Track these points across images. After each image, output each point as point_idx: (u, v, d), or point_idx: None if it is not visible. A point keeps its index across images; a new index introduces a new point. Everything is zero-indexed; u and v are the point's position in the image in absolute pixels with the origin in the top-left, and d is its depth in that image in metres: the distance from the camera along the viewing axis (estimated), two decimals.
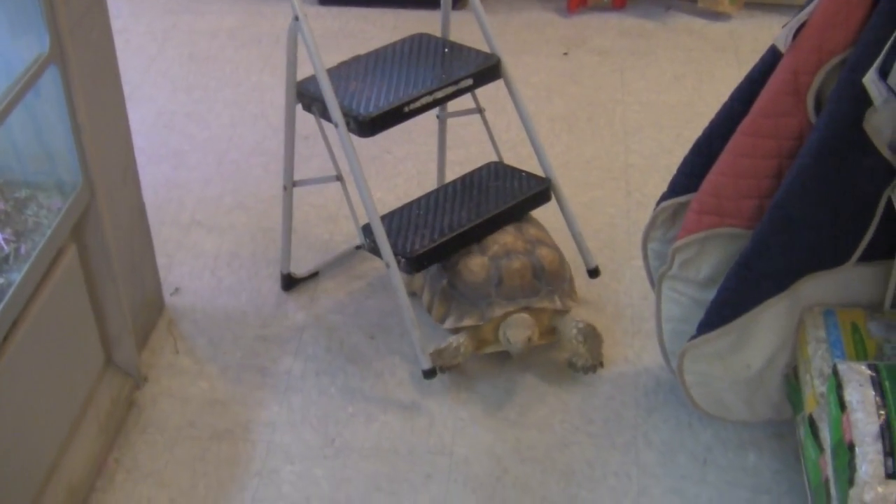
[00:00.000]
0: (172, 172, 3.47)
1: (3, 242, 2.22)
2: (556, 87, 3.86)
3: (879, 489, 1.90)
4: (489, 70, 2.77)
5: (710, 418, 2.58)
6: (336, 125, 2.59)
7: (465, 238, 2.76)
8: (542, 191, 2.86)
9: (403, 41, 2.90)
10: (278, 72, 4.04)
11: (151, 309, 2.89)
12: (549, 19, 4.33)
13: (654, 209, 2.57)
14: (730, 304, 2.33)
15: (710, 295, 2.44)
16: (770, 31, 4.12)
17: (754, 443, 2.57)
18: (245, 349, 2.85)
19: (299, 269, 3.07)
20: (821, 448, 2.14)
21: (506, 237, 2.77)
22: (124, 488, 2.49)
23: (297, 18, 2.59)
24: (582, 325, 2.71)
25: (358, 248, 3.11)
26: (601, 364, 2.73)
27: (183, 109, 3.81)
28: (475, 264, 2.72)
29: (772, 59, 2.29)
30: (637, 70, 3.99)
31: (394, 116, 2.63)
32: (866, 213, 2.21)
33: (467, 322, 2.69)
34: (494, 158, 3.01)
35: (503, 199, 2.83)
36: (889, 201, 2.19)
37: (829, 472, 2.07)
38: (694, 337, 2.41)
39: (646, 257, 2.66)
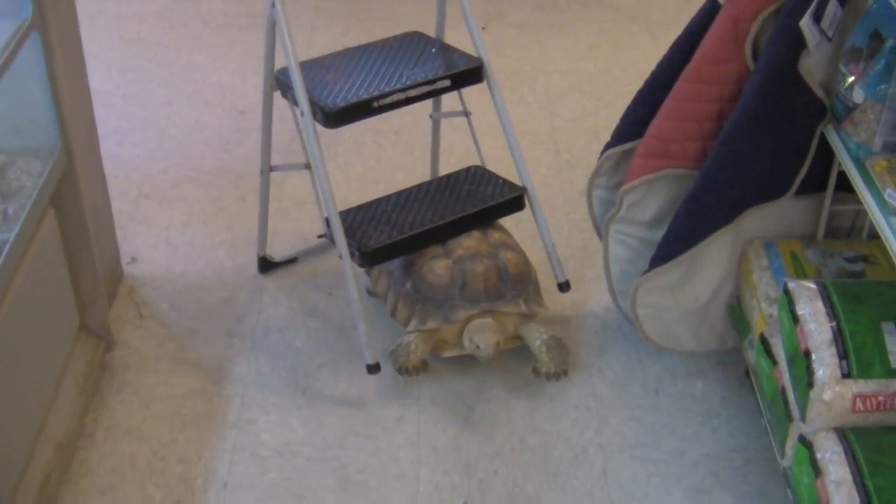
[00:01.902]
0: (115, 149, 3.53)
1: None
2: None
3: (837, 388, 2.10)
4: (469, 73, 2.76)
5: (659, 350, 2.77)
6: (301, 113, 2.62)
7: (425, 238, 2.74)
8: (514, 198, 2.83)
9: (395, 38, 2.91)
10: (209, 51, 4.13)
11: (112, 278, 2.96)
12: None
13: (599, 158, 2.75)
14: (681, 237, 2.51)
15: (656, 235, 2.62)
16: (677, 1, 4.35)
17: (701, 372, 2.76)
18: (208, 311, 2.95)
19: (277, 252, 3.13)
20: (774, 362, 2.34)
21: (470, 241, 2.75)
22: (106, 445, 2.56)
23: (273, 5, 2.61)
24: (546, 336, 2.70)
25: (320, 237, 3.15)
26: (565, 372, 2.72)
27: (118, 90, 3.87)
28: (439, 267, 2.70)
29: (710, 10, 2.49)
30: (554, 41, 4.18)
31: (361, 110, 2.63)
32: (803, 147, 2.41)
33: (431, 325, 2.67)
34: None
35: (473, 203, 2.80)
36: (822, 136, 2.40)
37: (786, 381, 2.26)
38: (647, 271, 2.59)
39: (591, 205, 2.83)
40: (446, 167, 3.09)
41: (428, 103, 3.06)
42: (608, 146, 2.73)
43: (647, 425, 2.63)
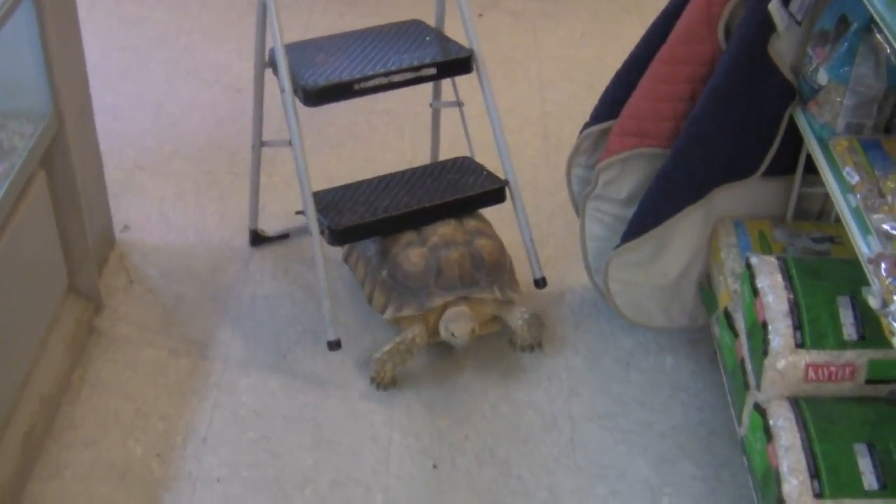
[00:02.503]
0: (112, 124, 3.61)
1: None
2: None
3: (790, 357, 2.17)
4: (457, 62, 2.79)
5: (631, 325, 2.84)
6: (282, 91, 2.67)
7: (398, 222, 2.77)
8: (494, 190, 2.85)
9: (394, 25, 2.95)
10: (207, 32, 4.21)
11: (104, 243, 3.04)
12: None
13: (578, 137, 2.82)
14: (651, 213, 2.59)
15: (630, 213, 2.69)
16: None
17: (672, 348, 2.84)
18: (196, 279, 3.03)
19: (269, 227, 3.19)
20: (735, 334, 2.41)
21: (445, 228, 2.77)
22: (91, 401, 2.65)
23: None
24: (528, 315, 2.74)
25: (298, 213, 3.14)
26: (539, 345, 2.79)
27: (117, 68, 3.96)
28: (414, 255, 2.73)
29: None
30: (548, 30, 4.26)
31: (342, 90, 2.68)
32: (771, 129, 2.48)
33: (406, 312, 2.70)
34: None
35: (451, 191, 2.83)
36: (791, 119, 2.47)
37: (745, 352, 2.34)
38: (618, 245, 2.66)
39: (570, 183, 2.91)
40: (447, 154, 3.14)
41: (427, 91, 3.14)
42: (587, 126, 2.81)
43: (616, 397, 2.71)
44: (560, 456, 2.55)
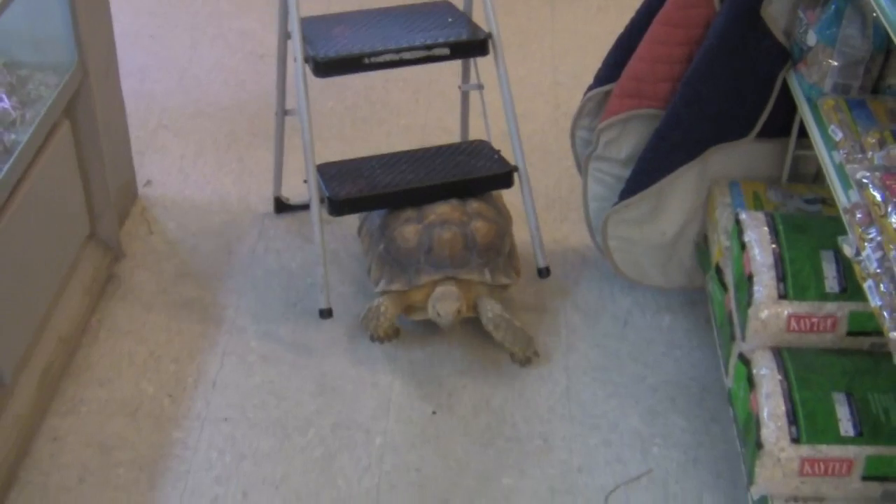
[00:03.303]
0: (138, 85, 3.74)
1: (11, 108, 2.49)
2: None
3: (773, 308, 2.25)
4: (472, 44, 2.81)
5: (630, 283, 2.92)
6: (295, 59, 2.73)
7: (397, 198, 2.80)
8: (501, 174, 2.86)
9: (422, 4, 2.99)
10: (235, 0, 4.33)
11: (127, 196, 3.16)
12: None
13: (582, 99, 2.90)
14: (647, 171, 2.67)
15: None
16: None
17: (669, 308, 2.92)
18: (212, 231, 3.15)
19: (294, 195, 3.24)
20: (725, 289, 2.49)
21: (444, 207, 2.77)
22: (107, 344, 2.77)
23: None
24: (491, 313, 2.71)
25: (305, 181, 3.06)
26: (536, 354, 2.75)
27: (146, 31, 4.10)
28: (408, 231, 2.74)
29: None
30: (564, 6, 4.34)
31: (350, 64, 2.72)
32: (764, 91, 2.55)
33: (395, 286, 2.72)
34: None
35: (457, 172, 2.85)
36: (784, 82, 2.54)
37: (732, 305, 2.41)
38: (616, 203, 2.74)
39: (574, 145, 2.98)
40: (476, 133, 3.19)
41: (446, 65, 3.10)
42: (590, 88, 2.88)
43: (611, 352, 2.79)
44: (555, 406, 2.64)
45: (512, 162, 2.89)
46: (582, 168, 2.91)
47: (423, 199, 2.82)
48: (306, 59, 2.73)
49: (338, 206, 2.79)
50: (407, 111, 3.70)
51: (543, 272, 2.90)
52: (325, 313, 2.78)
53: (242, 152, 3.48)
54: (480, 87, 3.07)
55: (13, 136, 2.44)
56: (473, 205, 2.82)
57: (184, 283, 2.96)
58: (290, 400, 2.64)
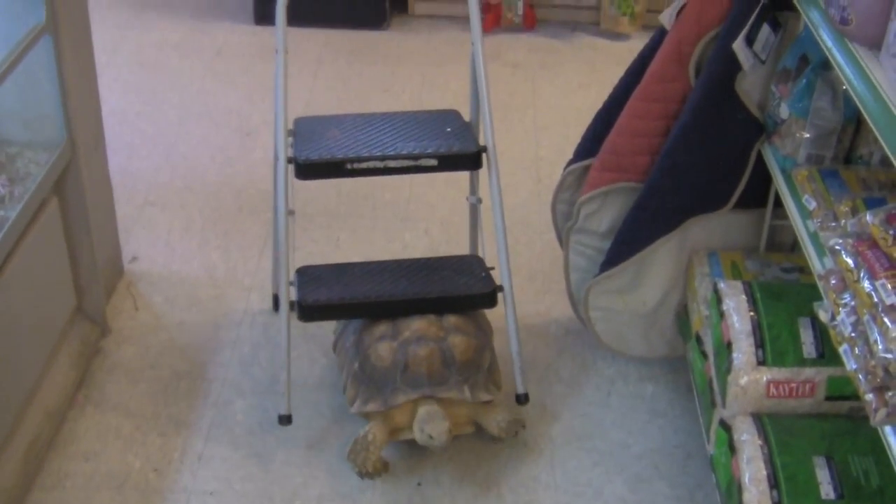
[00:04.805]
0: (126, 162, 3.79)
1: (0, 186, 2.53)
2: None
3: (752, 374, 2.29)
4: (461, 157, 2.70)
5: (612, 353, 2.96)
6: (276, 159, 2.67)
7: (369, 309, 2.71)
8: (484, 294, 2.74)
9: (429, 112, 2.91)
10: (219, 78, 4.42)
11: (113, 272, 3.19)
12: (467, 38, 4.68)
13: (562, 173, 2.96)
14: (628, 242, 2.72)
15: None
16: None
17: (652, 377, 2.95)
18: (198, 306, 3.17)
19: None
20: (705, 357, 2.53)
21: (420, 323, 2.67)
22: (94, 417, 2.78)
23: (277, 52, 2.67)
24: (504, 423, 2.65)
25: (291, 283, 2.86)
26: (523, 426, 2.71)
27: (133, 109, 4.16)
28: (383, 349, 2.64)
29: (659, 36, 2.71)
30: (546, 80, 4.43)
31: (333, 168, 2.64)
32: (740, 162, 2.61)
33: (371, 407, 2.60)
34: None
35: (437, 287, 2.74)
36: (759, 154, 2.60)
37: (712, 372, 2.45)
38: (597, 274, 2.79)
39: (555, 218, 3.03)
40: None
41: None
42: (570, 163, 2.94)
43: (595, 421, 2.82)
44: (540, 475, 2.66)
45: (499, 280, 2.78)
46: (563, 241, 2.96)
47: (397, 313, 2.72)
48: (289, 160, 2.65)
49: (307, 312, 2.71)
50: (429, 231, 3.65)
51: (522, 398, 2.75)
52: (284, 420, 2.68)
53: (229, 226, 3.52)
54: (478, 201, 2.97)
55: (2, 213, 2.47)
56: (451, 319, 2.71)
57: (171, 357, 2.98)
58: (276, 472, 2.65)
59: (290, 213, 2.77)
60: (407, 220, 3.60)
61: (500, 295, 2.75)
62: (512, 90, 4.34)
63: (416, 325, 2.67)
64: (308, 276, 2.80)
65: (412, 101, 4.25)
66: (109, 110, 4.09)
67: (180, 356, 2.99)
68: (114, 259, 3.21)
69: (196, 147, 3.96)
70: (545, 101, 4.29)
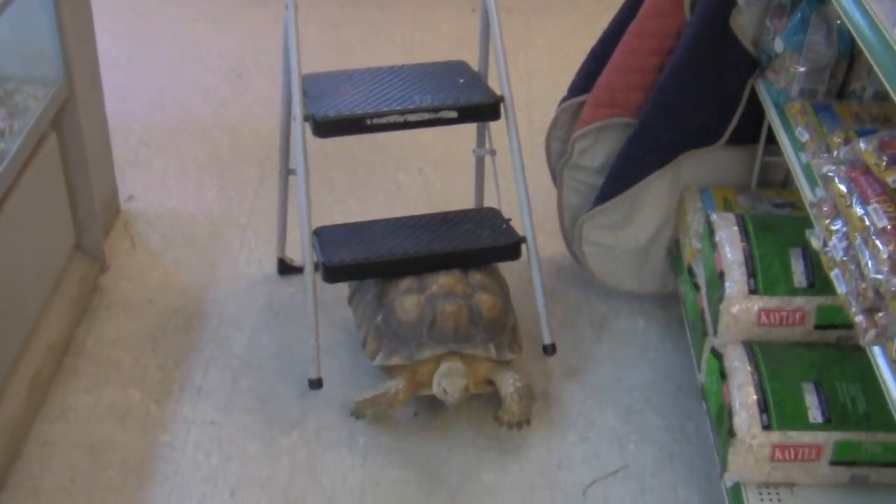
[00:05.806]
0: (119, 105, 3.79)
1: (0, 119, 2.55)
2: (465, 38, 4.27)
3: (744, 302, 2.33)
4: (481, 108, 2.69)
5: (605, 289, 3.00)
6: (294, 118, 2.62)
7: (394, 266, 2.68)
8: (508, 246, 2.74)
9: (435, 64, 2.88)
10: (212, 22, 4.43)
11: (110, 210, 3.22)
12: None
13: (556, 110, 2.98)
14: (620, 177, 2.75)
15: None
16: None
17: (643, 312, 3.00)
18: (194, 244, 3.21)
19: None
20: (697, 288, 2.57)
21: (447, 278, 2.65)
22: (94, 352, 2.82)
23: (287, 7, 2.62)
24: (520, 384, 2.59)
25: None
26: (528, 422, 2.61)
27: (125, 53, 4.16)
28: (409, 303, 2.62)
29: None
30: (539, 24, 4.46)
31: (351, 125, 2.60)
32: (733, 98, 2.64)
33: (395, 361, 2.59)
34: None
35: (461, 242, 2.72)
36: (752, 89, 2.63)
37: (704, 303, 2.49)
38: (590, 209, 2.82)
39: (549, 155, 3.06)
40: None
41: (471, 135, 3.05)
42: (564, 99, 2.97)
43: (588, 355, 2.87)
44: (536, 409, 2.69)
45: (521, 232, 2.79)
46: (557, 178, 2.99)
47: (423, 269, 2.69)
48: (306, 118, 2.61)
49: (332, 273, 2.67)
50: (423, 171, 3.68)
51: (549, 349, 2.78)
52: (315, 384, 2.65)
53: (224, 168, 3.54)
54: (492, 152, 2.95)
55: (2, 146, 2.49)
56: (477, 276, 2.71)
57: (168, 294, 3.02)
58: (275, 404, 2.69)
59: (291, 171, 2.76)
60: (400, 160, 3.63)
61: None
62: (505, 34, 4.31)
63: (443, 280, 2.66)
64: (327, 236, 2.77)
65: (404, 45, 4.27)
66: (101, 55, 4.09)
67: (178, 292, 3.02)
68: (111, 197, 3.23)
69: (189, 90, 3.97)
70: (538, 44, 4.31)
